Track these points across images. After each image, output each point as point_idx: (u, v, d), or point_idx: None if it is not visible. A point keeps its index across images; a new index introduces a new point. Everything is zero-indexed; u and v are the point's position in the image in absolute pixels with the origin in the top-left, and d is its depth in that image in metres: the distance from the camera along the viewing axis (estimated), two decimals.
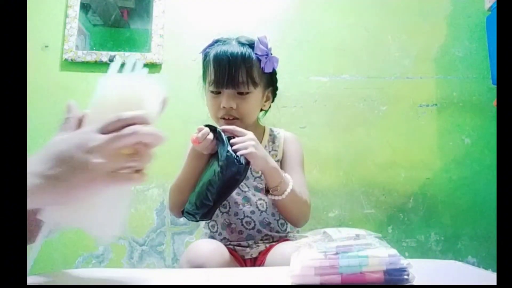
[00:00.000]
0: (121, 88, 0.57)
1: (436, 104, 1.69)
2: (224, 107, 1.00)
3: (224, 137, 0.91)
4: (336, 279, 0.48)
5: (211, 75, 1.02)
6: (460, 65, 1.71)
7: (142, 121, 0.50)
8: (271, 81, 1.10)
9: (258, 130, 1.11)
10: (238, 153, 0.88)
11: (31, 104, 1.54)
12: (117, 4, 1.71)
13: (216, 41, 1.08)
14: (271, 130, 1.14)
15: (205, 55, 1.08)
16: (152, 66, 1.66)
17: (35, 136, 1.57)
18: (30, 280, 0.35)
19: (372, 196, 1.61)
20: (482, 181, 1.61)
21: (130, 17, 1.73)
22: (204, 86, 1.12)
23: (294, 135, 1.15)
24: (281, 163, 1.08)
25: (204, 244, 0.91)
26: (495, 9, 1.50)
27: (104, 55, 1.63)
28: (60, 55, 1.63)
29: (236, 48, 1.01)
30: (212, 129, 0.94)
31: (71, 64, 1.63)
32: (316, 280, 0.48)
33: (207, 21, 1.71)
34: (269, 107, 1.13)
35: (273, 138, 1.11)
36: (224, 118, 1.02)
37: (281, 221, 1.05)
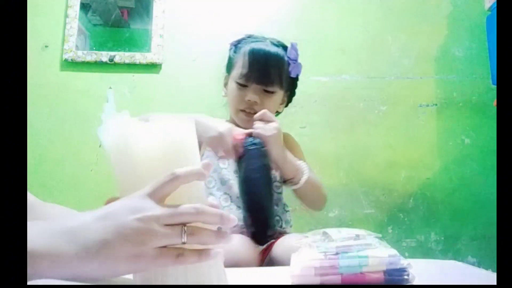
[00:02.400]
0: (156, 134, 0.43)
1: (436, 104, 1.69)
2: (248, 100, 1.02)
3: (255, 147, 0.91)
4: (336, 279, 0.48)
5: (242, 68, 1.04)
6: (460, 65, 1.71)
7: (199, 176, 0.42)
8: (291, 86, 1.14)
9: None
10: (255, 133, 0.90)
11: (31, 104, 1.54)
12: (117, 4, 1.71)
13: (249, 36, 1.11)
14: None
15: (236, 47, 1.11)
16: (152, 66, 1.66)
17: (35, 136, 1.57)
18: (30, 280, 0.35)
19: (372, 196, 1.61)
20: (482, 181, 1.60)
21: (130, 17, 1.73)
22: (226, 76, 1.14)
23: (291, 136, 1.17)
24: None
25: (238, 241, 0.87)
26: (495, 9, 1.50)
27: (104, 55, 1.63)
28: (60, 55, 1.63)
29: (272, 48, 1.06)
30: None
31: (71, 64, 1.63)
32: (316, 280, 0.48)
33: (207, 21, 1.71)
34: (282, 110, 1.17)
35: None
36: (244, 111, 1.04)
37: (277, 217, 1.05)
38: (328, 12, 1.75)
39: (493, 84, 1.54)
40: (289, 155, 0.98)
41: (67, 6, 1.66)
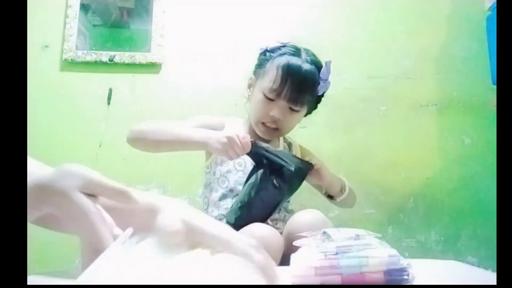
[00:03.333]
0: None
1: (436, 104, 1.69)
2: (273, 116, 1.00)
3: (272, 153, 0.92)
4: (336, 280, 0.48)
5: (274, 82, 1.00)
6: (460, 65, 1.71)
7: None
8: (315, 103, 1.12)
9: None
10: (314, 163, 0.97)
11: (31, 104, 1.54)
12: (117, 4, 1.71)
13: (284, 45, 1.06)
14: (284, 137, 1.16)
15: (269, 55, 1.06)
16: (152, 66, 1.66)
17: (35, 136, 1.57)
18: (30, 280, 0.35)
19: (372, 196, 1.61)
20: (482, 181, 1.60)
21: (130, 17, 1.73)
22: (253, 79, 1.10)
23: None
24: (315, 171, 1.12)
25: (266, 227, 0.87)
26: (495, 9, 1.50)
27: (104, 55, 1.63)
28: (60, 55, 1.63)
29: (308, 67, 1.01)
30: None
31: (71, 64, 1.63)
32: (316, 280, 0.48)
33: (207, 21, 1.71)
34: (300, 121, 1.14)
35: (288, 145, 1.14)
36: (265, 124, 1.03)
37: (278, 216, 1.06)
38: (328, 12, 1.75)
39: (493, 84, 1.54)
40: (331, 174, 1.02)
41: (67, 6, 1.66)
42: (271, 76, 1.00)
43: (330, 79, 1.05)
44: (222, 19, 1.70)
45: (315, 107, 1.14)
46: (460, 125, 1.67)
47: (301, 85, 0.99)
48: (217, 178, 1.05)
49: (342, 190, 1.05)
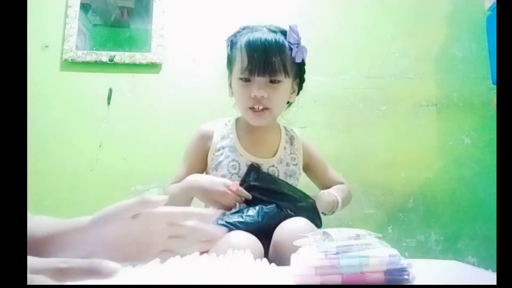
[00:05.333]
0: None
1: (436, 104, 1.69)
2: (255, 96, 0.96)
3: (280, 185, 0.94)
4: (336, 279, 0.48)
5: (242, 62, 0.97)
6: (460, 65, 1.71)
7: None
8: (299, 72, 1.06)
9: (276, 129, 1.10)
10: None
11: (31, 104, 1.54)
12: (117, 4, 1.71)
13: (244, 28, 1.03)
14: (285, 129, 1.12)
15: (232, 43, 1.03)
16: (152, 66, 1.66)
17: (35, 136, 1.57)
18: (30, 280, 0.35)
19: (372, 196, 1.61)
20: (482, 181, 1.60)
21: (130, 17, 1.73)
22: (229, 76, 1.07)
23: (305, 138, 1.16)
24: (313, 167, 1.12)
25: (244, 234, 0.85)
26: (495, 9, 1.50)
27: (104, 55, 1.63)
28: (60, 55, 1.63)
29: (269, 35, 0.97)
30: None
31: (71, 64, 1.63)
32: (317, 280, 0.48)
33: (207, 21, 1.71)
34: (294, 99, 1.10)
35: (290, 139, 1.10)
36: (253, 108, 0.98)
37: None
38: (328, 12, 1.75)
39: (493, 84, 1.54)
40: (326, 198, 1.01)
41: (67, 6, 1.66)
42: (239, 58, 0.98)
43: (302, 43, 1.01)
44: (222, 19, 1.70)
45: (301, 79, 1.08)
46: (460, 125, 1.67)
47: (267, 54, 0.95)
48: None
49: (334, 209, 1.04)
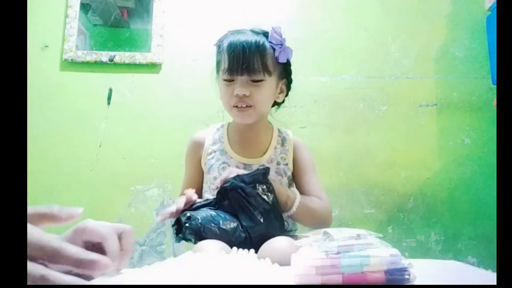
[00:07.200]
0: None
1: (436, 104, 1.69)
2: (237, 95, 0.99)
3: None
4: (337, 279, 0.48)
5: (224, 64, 1.01)
6: (460, 65, 1.71)
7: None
8: (285, 72, 1.08)
9: (267, 130, 1.10)
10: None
11: (31, 104, 1.55)
12: (117, 4, 1.71)
13: (231, 33, 1.06)
14: (279, 131, 1.12)
15: (219, 46, 1.07)
16: (152, 66, 1.66)
17: (35, 136, 1.57)
18: (30, 280, 0.35)
19: (372, 196, 1.61)
20: (482, 181, 1.61)
21: (130, 17, 1.73)
22: (217, 78, 1.10)
23: (302, 140, 1.14)
24: (294, 169, 1.08)
25: (212, 242, 0.84)
26: (495, 9, 1.50)
27: (104, 55, 1.63)
28: (60, 55, 1.63)
29: (250, 37, 1.01)
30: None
31: (71, 64, 1.63)
32: (318, 280, 0.48)
33: (207, 21, 1.71)
34: (283, 100, 1.12)
35: (282, 140, 1.10)
36: (237, 107, 1.01)
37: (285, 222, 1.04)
38: (328, 12, 1.75)
39: (493, 84, 1.54)
40: (277, 186, 0.95)
41: (67, 6, 1.66)
42: (222, 61, 1.02)
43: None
44: (222, 19, 1.70)
45: (289, 80, 1.10)
46: (460, 125, 1.67)
47: (246, 53, 0.98)
48: (208, 186, 1.06)
49: (288, 205, 0.96)
